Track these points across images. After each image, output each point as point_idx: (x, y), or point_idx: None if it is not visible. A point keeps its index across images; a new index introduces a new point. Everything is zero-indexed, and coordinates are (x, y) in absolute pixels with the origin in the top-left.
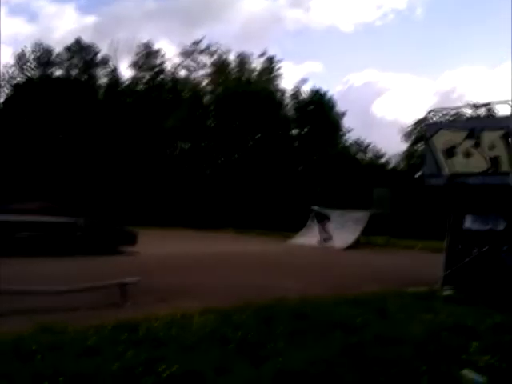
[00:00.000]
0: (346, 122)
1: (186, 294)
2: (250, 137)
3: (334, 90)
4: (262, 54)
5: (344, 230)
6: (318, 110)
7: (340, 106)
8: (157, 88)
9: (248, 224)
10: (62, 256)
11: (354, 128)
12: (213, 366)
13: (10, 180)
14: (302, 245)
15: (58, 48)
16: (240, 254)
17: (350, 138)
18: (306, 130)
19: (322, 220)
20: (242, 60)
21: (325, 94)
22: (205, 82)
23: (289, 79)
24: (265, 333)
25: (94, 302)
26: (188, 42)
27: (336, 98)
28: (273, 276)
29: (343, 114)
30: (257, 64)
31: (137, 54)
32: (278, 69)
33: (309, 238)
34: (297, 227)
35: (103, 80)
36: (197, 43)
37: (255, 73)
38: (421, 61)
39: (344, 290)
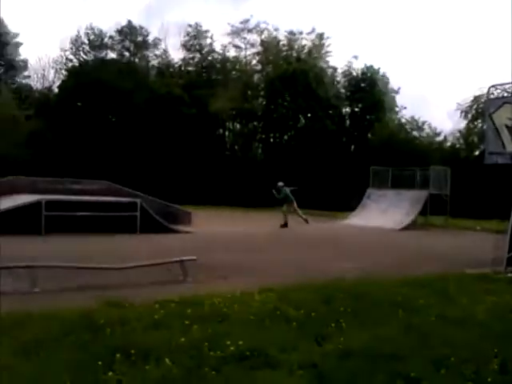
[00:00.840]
0: (400, 100)
1: (243, 272)
2: (302, 116)
3: (387, 66)
4: (312, 31)
5: (399, 210)
6: (371, 87)
7: (394, 83)
8: (206, 69)
9: (300, 203)
10: (122, 234)
11: (408, 106)
12: (276, 343)
13: (72, 162)
14: (356, 225)
15: (110, 31)
16: (295, 233)
17: (405, 115)
18: (358, 107)
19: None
20: (292, 37)
21: (378, 70)
22: (254, 61)
23: (340, 56)
24: (326, 312)
25: (156, 278)
26: (237, 21)
27: (390, 74)
28: (329, 256)
29: (397, 91)
30: (306, 41)
31: (186, 35)
32: (328, 45)
33: (363, 218)
34: (350, 207)
35: (154, 62)
36: (245, 22)
37: (305, 50)
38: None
39: (403, 271)
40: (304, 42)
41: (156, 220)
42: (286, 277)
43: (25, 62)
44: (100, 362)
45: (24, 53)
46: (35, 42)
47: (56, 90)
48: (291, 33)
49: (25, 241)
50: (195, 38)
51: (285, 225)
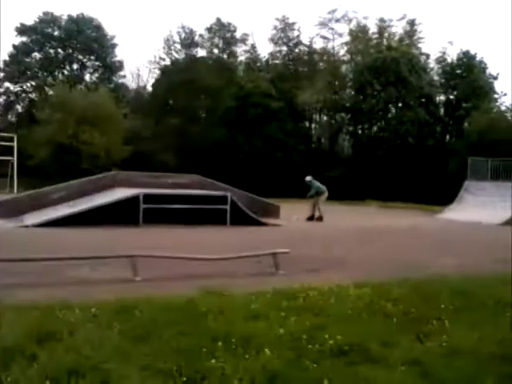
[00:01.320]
0: (500, 86)
1: (334, 266)
2: (392, 106)
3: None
4: (403, 17)
5: (500, 204)
6: (468, 73)
7: (492, 68)
8: (293, 61)
9: (391, 196)
10: (213, 226)
11: (508, 92)
12: (376, 339)
13: (163, 158)
14: (453, 219)
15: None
16: (387, 228)
17: (505, 102)
18: (453, 95)
19: None
20: (382, 25)
21: (475, 55)
22: (342, 52)
23: (433, 42)
24: (427, 308)
25: (249, 269)
26: (324, 11)
27: (488, 59)
28: (426, 251)
29: (496, 77)
30: (397, 28)
31: (274, 29)
32: (420, 32)
33: (460, 212)
34: (446, 201)
35: (242, 57)
36: (333, 12)
37: (396, 38)
38: None
39: (508, 269)
40: (394, 30)
41: (245, 213)
42: (379, 271)
43: (121, 62)
44: (204, 349)
45: (120, 54)
46: (130, 42)
47: (149, 89)
48: (381, 20)
49: (125, 232)
50: (282, 31)
51: (319, 218)
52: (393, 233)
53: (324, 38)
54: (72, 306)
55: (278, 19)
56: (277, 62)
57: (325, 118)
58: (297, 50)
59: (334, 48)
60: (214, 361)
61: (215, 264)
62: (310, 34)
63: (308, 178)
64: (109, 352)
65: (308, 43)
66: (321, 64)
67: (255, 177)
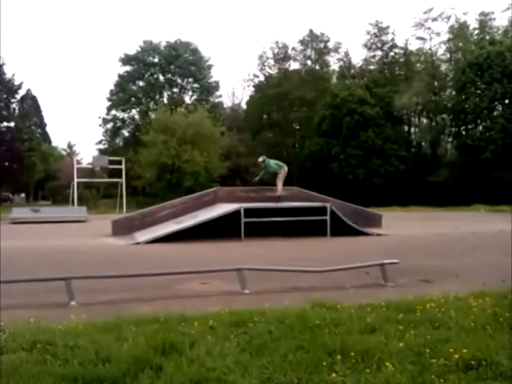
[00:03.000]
0: None
1: (445, 276)
2: (498, 103)
3: None
4: (508, 8)
5: None
6: None
7: None
8: (389, 65)
9: (501, 199)
10: (314, 238)
11: None
12: (507, 353)
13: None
14: None
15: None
16: (499, 233)
17: None
18: None
19: None
20: (483, 19)
21: None
22: (441, 51)
23: None
24: None
25: (357, 281)
26: (419, 12)
27: None
28: None
29: None
30: (502, 21)
31: (367, 34)
32: None
33: None
34: None
35: (335, 66)
36: (429, 11)
37: (499, 31)
38: None
39: None
40: (498, 23)
41: (346, 223)
42: (496, 281)
43: (217, 83)
44: (324, 363)
45: (216, 74)
46: (225, 63)
47: (244, 106)
48: (482, 14)
49: (228, 245)
50: (376, 36)
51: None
52: (505, 238)
53: (420, 38)
54: (190, 318)
55: (371, 24)
56: (371, 67)
57: (425, 120)
58: (392, 54)
59: (431, 48)
60: (334, 374)
61: (321, 276)
62: (404, 36)
63: (260, 159)
64: (230, 364)
65: (403, 45)
66: (418, 65)
67: (353, 186)
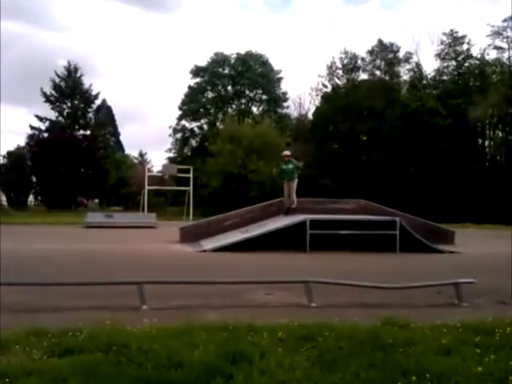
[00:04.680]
0: None
1: None
2: None
3: None
4: None
5: None
6: None
7: None
8: (463, 75)
9: None
10: (381, 253)
11: None
12: None
13: (326, 184)
14: None
15: (362, 52)
16: None
17: None
18: None
19: None
20: None
21: None
22: None
23: None
24: None
25: (428, 300)
26: (497, 20)
27: None
28: None
29: None
30: None
31: (440, 44)
32: None
33: None
34: None
35: (405, 77)
36: (509, 19)
37: None
38: None
39: None
40: None
41: (417, 239)
42: None
43: (285, 94)
44: (399, 383)
45: (283, 85)
46: (292, 72)
47: (310, 117)
48: None
49: (293, 257)
50: (450, 46)
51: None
52: None
53: (498, 48)
54: (259, 328)
55: (445, 34)
56: (444, 78)
57: (500, 134)
58: (466, 64)
59: (510, 58)
60: None
61: (391, 293)
62: (480, 46)
63: (288, 153)
64: (300, 378)
65: (479, 55)
66: (494, 76)
67: (423, 200)
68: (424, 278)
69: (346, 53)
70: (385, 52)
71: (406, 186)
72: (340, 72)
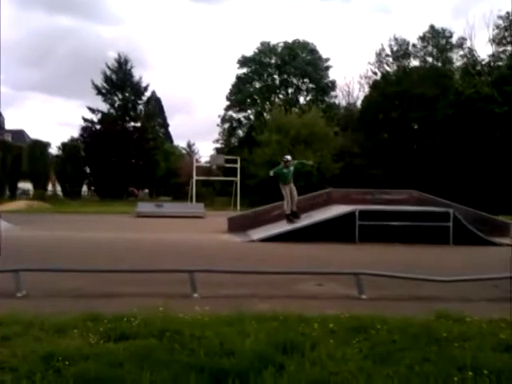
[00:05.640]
0: None
1: None
2: None
3: None
4: None
5: None
6: None
7: None
8: None
9: None
10: (433, 245)
11: None
12: None
13: (377, 174)
14: None
15: (413, 39)
16: None
17: None
18: None
19: None
20: None
21: None
22: None
23: None
24: None
25: (484, 294)
26: None
27: None
28: None
29: None
30: None
31: (496, 28)
32: None
33: None
34: None
35: (458, 63)
36: None
37: None
38: None
39: None
40: None
41: (471, 231)
42: None
43: (333, 82)
44: (455, 378)
45: (332, 73)
46: (341, 60)
47: (359, 106)
48: None
49: (342, 248)
50: (506, 30)
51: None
52: None
53: None
54: (309, 319)
55: (500, 17)
56: (500, 63)
57: None
58: None
59: None
60: None
61: (444, 286)
62: None
63: (289, 158)
64: (353, 370)
65: None
66: None
67: (477, 191)
68: (479, 271)
69: (395, 39)
70: (437, 38)
71: (459, 176)
72: (390, 59)
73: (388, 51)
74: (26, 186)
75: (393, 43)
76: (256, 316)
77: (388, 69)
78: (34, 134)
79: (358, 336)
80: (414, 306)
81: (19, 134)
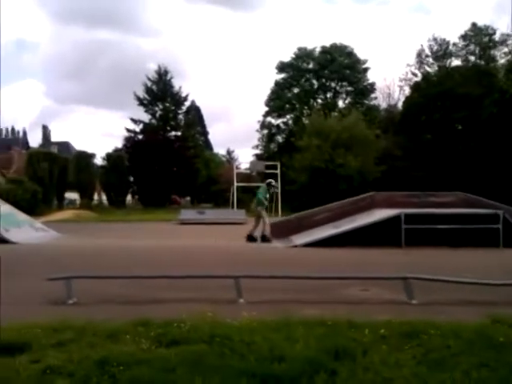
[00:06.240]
0: None
1: None
2: None
3: None
4: None
5: None
6: None
7: None
8: None
9: None
10: (484, 248)
11: None
12: None
13: (421, 176)
14: None
15: (453, 38)
16: None
17: None
18: None
19: None
20: None
21: None
22: None
23: None
24: None
25: None
26: None
27: None
28: None
29: None
30: None
31: None
32: None
33: None
34: None
35: (502, 60)
36: None
37: None
38: None
39: None
40: None
41: None
42: None
43: (372, 85)
44: None
45: (371, 75)
46: (381, 62)
47: (400, 107)
48: None
49: (388, 252)
50: None
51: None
52: None
53: None
54: (359, 325)
55: None
56: None
57: None
58: None
59: None
60: None
61: (496, 290)
62: None
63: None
64: (407, 376)
65: None
66: None
67: None
68: None
69: (435, 39)
70: (479, 36)
71: (507, 176)
72: (430, 59)
73: (428, 52)
74: (72, 196)
75: (432, 43)
76: (303, 321)
77: (429, 69)
78: (78, 145)
79: (410, 342)
80: (467, 310)
81: (65, 146)
